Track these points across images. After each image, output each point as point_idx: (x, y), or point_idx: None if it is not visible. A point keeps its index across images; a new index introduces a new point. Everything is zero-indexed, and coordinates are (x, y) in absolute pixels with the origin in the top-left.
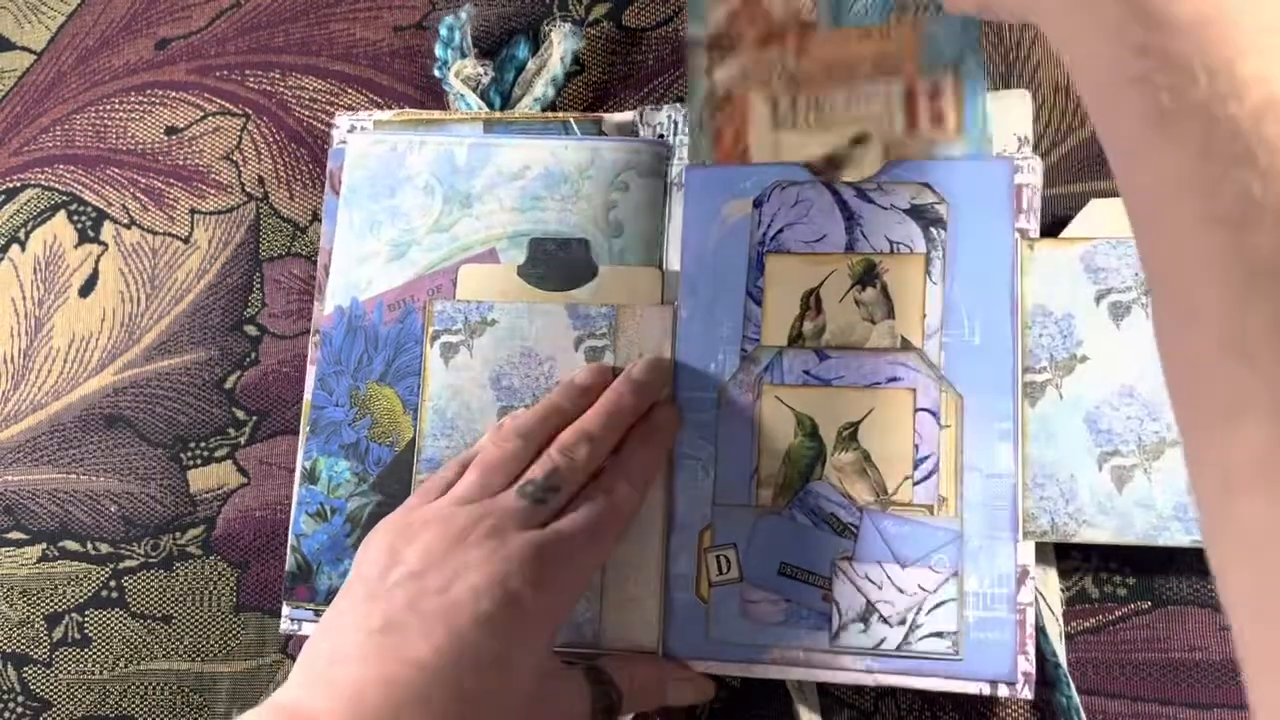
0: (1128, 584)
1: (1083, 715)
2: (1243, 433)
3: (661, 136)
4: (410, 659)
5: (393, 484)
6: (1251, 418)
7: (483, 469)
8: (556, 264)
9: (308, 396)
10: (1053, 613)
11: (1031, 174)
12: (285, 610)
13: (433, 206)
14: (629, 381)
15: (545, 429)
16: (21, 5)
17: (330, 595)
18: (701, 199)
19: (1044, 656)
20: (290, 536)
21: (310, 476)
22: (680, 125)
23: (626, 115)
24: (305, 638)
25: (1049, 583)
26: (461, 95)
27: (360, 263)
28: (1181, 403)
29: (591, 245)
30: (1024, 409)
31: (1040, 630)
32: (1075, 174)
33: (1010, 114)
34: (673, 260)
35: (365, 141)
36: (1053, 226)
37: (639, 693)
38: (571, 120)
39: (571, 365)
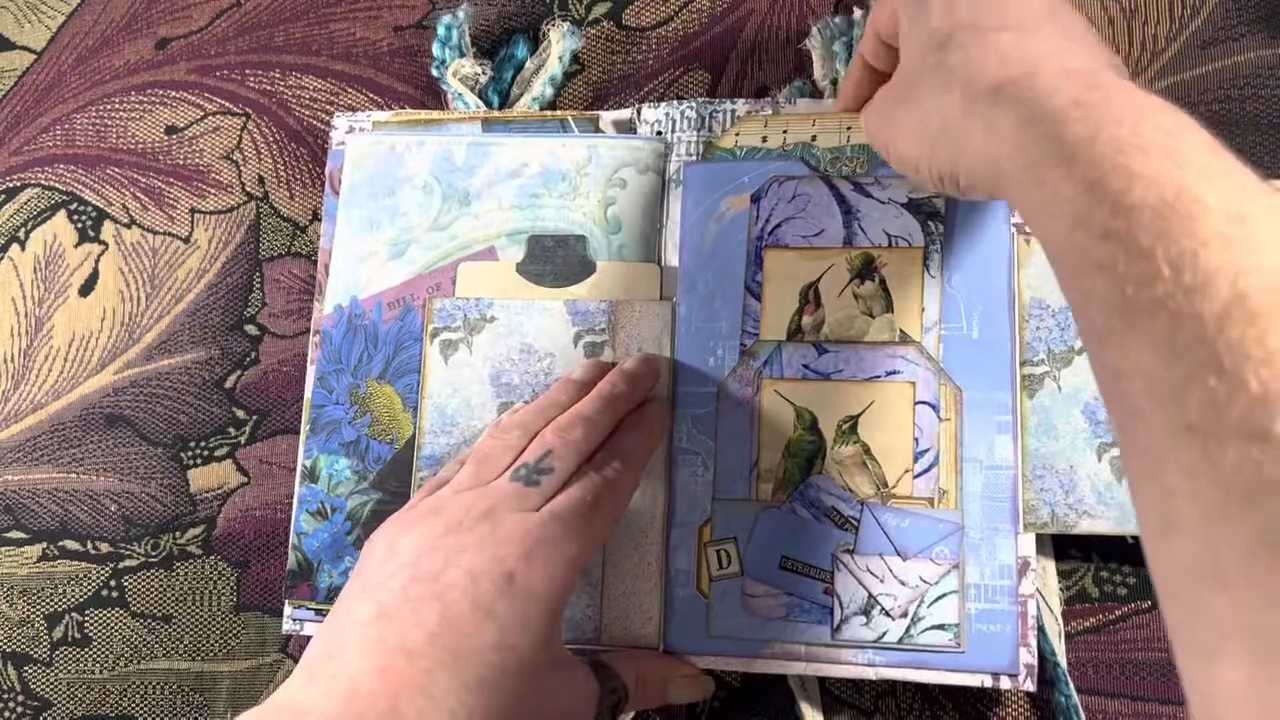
0: (1128, 584)
1: (1082, 715)
2: (1223, 670)
3: (659, 133)
4: (404, 647)
5: (393, 481)
6: (1231, 653)
7: (479, 460)
8: (555, 261)
9: (308, 395)
10: (1052, 612)
11: None
12: (287, 610)
13: (431, 205)
14: (621, 372)
15: (542, 421)
16: (21, 5)
17: (331, 593)
18: (699, 195)
19: (1043, 656)
20: (291, 535)
21: (311, 475)
22: (677, 122)
23: (624, 113)
24: (307, 637)
25: (1048, 582)
26: (459, 95)
27: (360, 262)
28: (1169, 622)
29: (590, 242)
30: (1023, 401)
31: (1040, 630)
32: None
33: None
34: (671, 256)
35: (364, 142)
36: None
37: (643, 689)
38: (569, 118)
39: (571, 361)
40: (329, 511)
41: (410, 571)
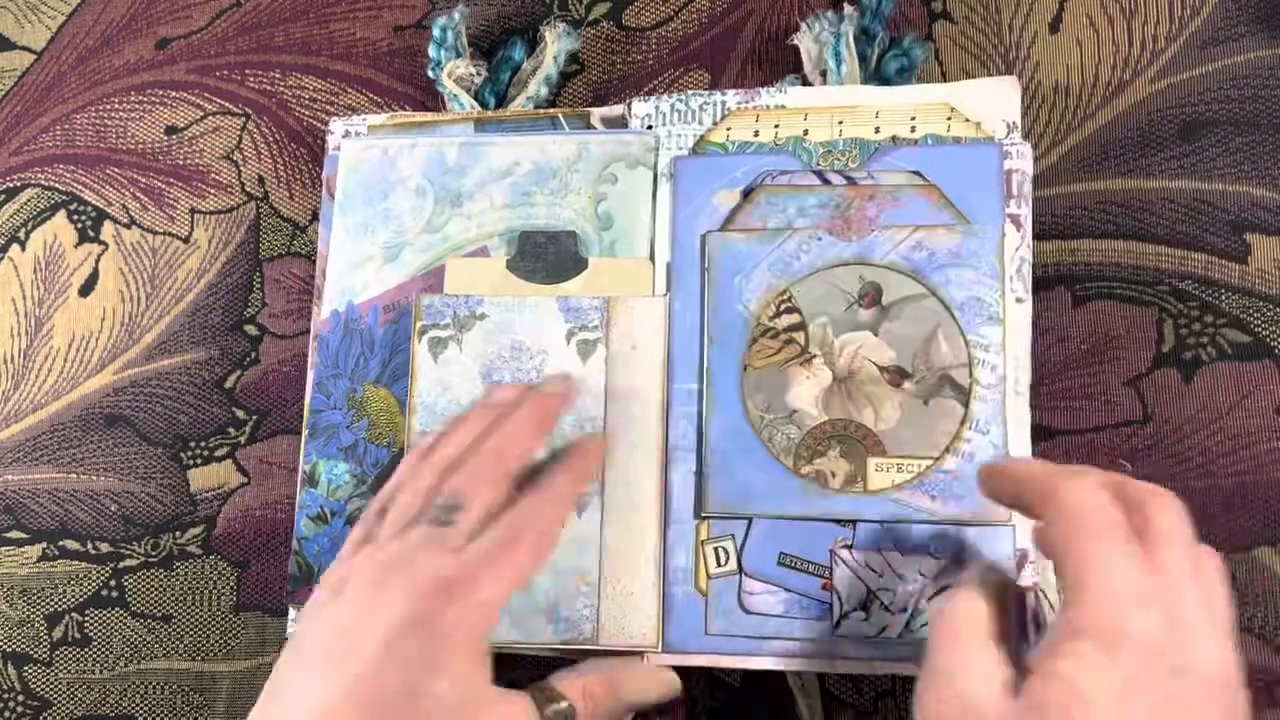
0: None
1: None
2: None
3: (650, 127)
4: (316, 704)
5: None
6: None
7: (400, 507)
8: (546, 257)
9: (308, 399)
10: (1054, 610)
11: (1021, 159)
12: (291, 614)
13: (424, 207)
14: (535, 394)
15: (455, 453)
16: (21, 5)
17: None
18: (691, 189)
19: None
20: (293, 540)
21: (311, 480)
22: (668, 116)
23: (615, 109)
24: None
25: (1049, 581)
26: (455, 96)
27: (355, 267)
28: None
29: (581, 238)
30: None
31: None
32: (1075, 174)
33: (1000, 100)
34: (663, 251)
35: (357, 147)
36: (1051, 225)
37: (592, 702)
38: (560, 115)
39: (563, 358)
40: (329, 516)
41: (331, 625)
